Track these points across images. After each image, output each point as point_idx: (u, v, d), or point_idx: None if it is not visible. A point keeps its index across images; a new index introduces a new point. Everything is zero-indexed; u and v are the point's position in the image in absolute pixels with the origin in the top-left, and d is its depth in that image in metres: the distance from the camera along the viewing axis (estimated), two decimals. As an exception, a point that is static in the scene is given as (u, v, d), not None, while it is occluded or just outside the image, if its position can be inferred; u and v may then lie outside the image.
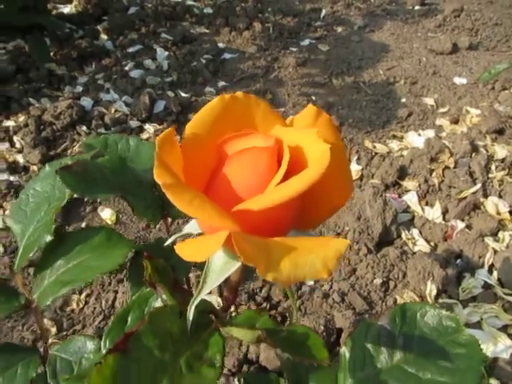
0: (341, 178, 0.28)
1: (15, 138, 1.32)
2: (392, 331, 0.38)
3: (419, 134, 1.42)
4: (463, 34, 1.98)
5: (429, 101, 1.58)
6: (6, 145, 1.30)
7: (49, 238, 0.35)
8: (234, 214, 0.25)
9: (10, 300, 0.36)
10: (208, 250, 0.23)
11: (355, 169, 1.25)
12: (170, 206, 0.41)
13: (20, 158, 1.25)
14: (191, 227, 0.33)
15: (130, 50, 1.84)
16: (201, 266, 0.28)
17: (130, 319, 0.31)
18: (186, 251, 0.24)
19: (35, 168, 1.23)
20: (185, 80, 1.67)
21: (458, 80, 1.68)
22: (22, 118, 1.40)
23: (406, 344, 0.37)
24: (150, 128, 1.41)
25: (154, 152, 0.43)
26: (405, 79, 1.71)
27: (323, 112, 0.31)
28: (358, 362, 0.38)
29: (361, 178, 1.23)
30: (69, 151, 1.30)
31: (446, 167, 1.20)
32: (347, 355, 0.39)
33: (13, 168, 1.22)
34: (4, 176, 1.18)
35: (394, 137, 1.43)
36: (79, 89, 1.58)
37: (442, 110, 1.54)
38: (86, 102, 1.47)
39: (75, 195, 0.38)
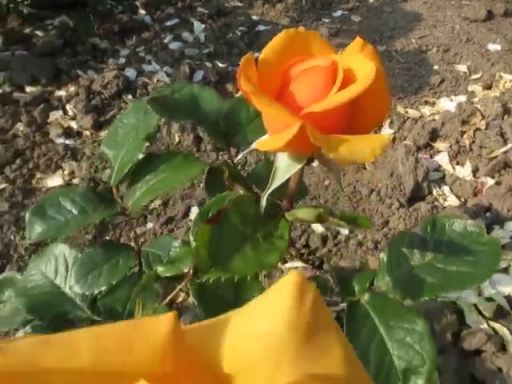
0: (381, 93, 0.35)
1: (68, 107, 1.42)
2: (424, 237, 0.45)
3: (451, 100, 1.45)
4: (498, 1, 1.97)
5: (461, 68, 1.60)
6: (60, 112, 1.41)
7: (140, 156, 0.43)
8: (300, 116, 0.32)
9: (110, 207, 0.45)
10: (283, 138, 0.30)
11: (388, 132, 1.30)
12: (233, 135, 0.49)
13: (73, 124, 1.35)
14: (254, 145, 0.40)
15: (168, 23, 1.91)
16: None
17: (210, 214, 0.39)
18: (266, 143, 0.32)
19: (88, 133, 1.33)
20: (221, 51, 1.73)
21: (491, 47, 1.69)
22: (72, 89, 1.50)
23: (435, 246, 0.44)
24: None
25: (215, 96, 0.51)
26: (437, 47, 1.73)
27: (368, 43, 0.37)
28: (394, 263, 0.45)
29: (393, 140, 1.28)
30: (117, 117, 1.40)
31: (478, 129, 1.24)
32: (385, 258, 0.46)
33: (67, 133, 1.32)
34: (60, 140, 1.29)
35: (426, 103, 1.46)
36: (122, 61, 1.67)
37: (474, 76, 1.56)
38: (130, 72, 1.55)
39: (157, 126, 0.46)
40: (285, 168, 0.36)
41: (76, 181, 1.16)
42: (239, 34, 1.82)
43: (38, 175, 1.19)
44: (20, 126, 1.34)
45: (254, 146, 0.42)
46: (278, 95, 0.36)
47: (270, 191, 0.36)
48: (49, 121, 1.38)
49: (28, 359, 0.14)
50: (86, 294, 0.44)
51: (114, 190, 0.46)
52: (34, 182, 1.17)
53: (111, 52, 1.74)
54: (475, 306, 0.85)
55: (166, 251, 0.43)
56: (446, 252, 0.44)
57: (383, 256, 0.46)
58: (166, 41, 1.78)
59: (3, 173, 1.18)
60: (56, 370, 0.15)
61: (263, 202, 0.35)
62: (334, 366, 0.16)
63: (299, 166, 0.36)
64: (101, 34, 1.84)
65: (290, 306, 0.16)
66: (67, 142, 1.29)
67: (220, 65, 1.64)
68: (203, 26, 1.86)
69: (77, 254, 0.48)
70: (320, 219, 0.33)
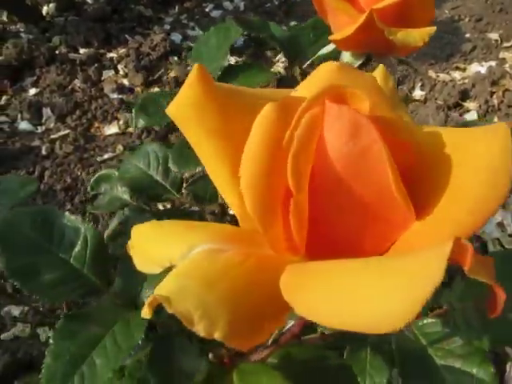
0: (427, 2, 0.44)
1: (119, 67, 1.54)
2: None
3: (482, 65, 1.51)
4: (533, -27, 1.99)
5: (493, 36, 1.65)
6: (112, 72, 1.52)
7: (226, 64, 0.54)
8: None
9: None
10: (353, 27, 0.40)
11: (419, 94, 1.37)
12: (297, 53, 0.59)
13: (125, 82, 1.47)
14: (324, 50, 0.50)
15: (209, -7, 2.00)
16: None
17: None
18: (339, 34, 0.42)
19: (139, 89, 1.44)
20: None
21: (524, 16, 1.73)
22: (122, 51, 1.62)
23: None
24: (231, 59, 1.58)
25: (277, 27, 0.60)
26: (470, 17, 1.78)
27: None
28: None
29: (424, 101, 1.35)
30: (164, 77, 1.50)
31: (507, 90, 1.30)
32: None
33: (120, 89, 1.44)
34: (114, 95, 1.40)
35: (457, 68, 1.53)
36: (167, 27, 1.78)
37: (506, 44, 1.61)
38: (175, 36, 1.66)
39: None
40: (349, 61, 0.46)
41: (131, 129, 1.28)
42: (277, 3, 1.90)
43: (96, 124, 1.31)
44: (77, 83, 1.46)
45: (324, 50, 0.51)
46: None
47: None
48: (102, 78, 1.50)
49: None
50: (178, 175, 0.55)
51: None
52: (92, 130, 1.29)
53: (156, 20, 1.85)
54: (498, 240, 0.94)
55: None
56: None
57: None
58: (207, 9, 1.87)
59: (65, 122, 1.31)
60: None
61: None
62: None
63: (360, 62, 0.45)
64: (146, 3, 1.95)
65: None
66: (120, 96, 1.40)
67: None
68: (242, -5, 1.94)
69: (166, 150, 0.59)
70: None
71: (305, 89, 0.25)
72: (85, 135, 1.25)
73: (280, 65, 1.59)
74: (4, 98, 1.41)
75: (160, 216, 0.57)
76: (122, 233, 0.56)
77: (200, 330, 0.17)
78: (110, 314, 0.36)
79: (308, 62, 0.51)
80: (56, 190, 1.05)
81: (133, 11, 1.86)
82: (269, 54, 1.63)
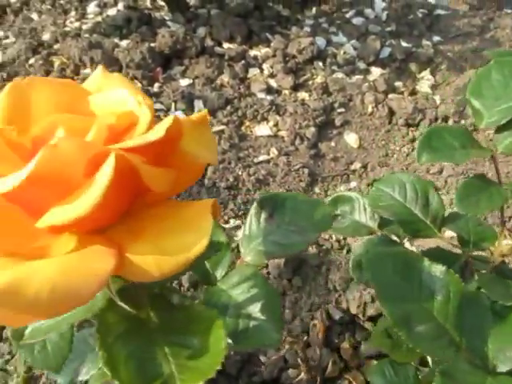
0: None
1: (264, 66, 1.54)
2: None
3: None
4: None
5: None
6: (257, 70, 1.53)
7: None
8: None
9: (482, 148, 0.52)
10: None
11: None
12: None
13: (272, 83, 1.47)
14: None
15: (347, -2, 1.97)
16: None
17: None
18: None
19: (286, 92, 1.44)
20: (402, 31, 1.76)
21: None
22: (264, 50, 1.62)
23: None
24: (376, 71, 1.54)
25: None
26: None
27: None
28: None
29: None
30: (310, 82, 1.49)
31: None
32: None
33: (267, 89, 1.44)
34: (262, 95, 1.41)
35: None
36: (307, 30, 1.76)
37: None
38: (320, 41, 1.64)
39: None
40: None
41: (282, 133, 1.28)
42: (420, 15, 1.84)
43: (247, 123, 1.32)
44: (224, 78, 1.48)
45: None
46: None
47: None
48: (248, 76, 1.51)
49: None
50: (440, 212, 0.53)
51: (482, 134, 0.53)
52: (243, 128, 1.30)
53: (294, 20, 1.84)
54: None
55: None
56: None
57: None
58: (347, 15, 1.84)
59: (216, 116, 1.33)
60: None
61: None
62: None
63: None
64: (284, 1, 1.94)
65: None
66: (268, 97, 1.40)
67: (403, 44, 1.67)
68: (384, 4, 1.89)
69: (424, 182, 0.57)
70: None
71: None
72: (238, 133, 1.27)
73: (425, 82, 1.53)
74: (156, 85, 1.44)
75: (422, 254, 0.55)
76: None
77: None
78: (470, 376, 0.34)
79: None
80: (219, 188, 1.07)
81: (271, 10, 1.86)
82: (413, 67, 1.58)
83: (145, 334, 0.27)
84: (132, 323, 0.27)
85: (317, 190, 1.14)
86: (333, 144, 1.29)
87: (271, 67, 1.52)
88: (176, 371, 0.26)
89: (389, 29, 1.76)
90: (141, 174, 0.24)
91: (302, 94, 1.43)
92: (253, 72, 1.52)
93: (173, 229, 0.26)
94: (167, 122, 0.26)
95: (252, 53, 1.62)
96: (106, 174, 0.22)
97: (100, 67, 0.32)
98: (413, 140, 1.31)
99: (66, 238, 0.26)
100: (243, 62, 1.54)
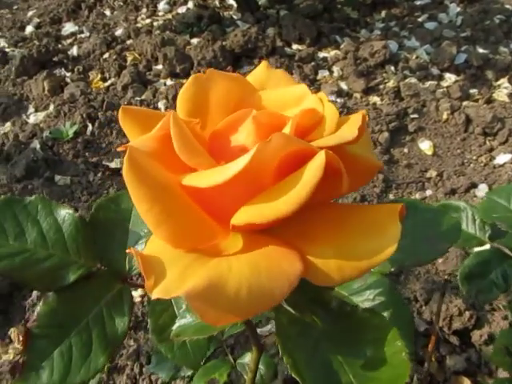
0: None
1: (334, 68, 1.52)
2: None
3: None
4: None
5: None
6: (326, 72, 1.51)
7: None
8: None
9: None
10: None
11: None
12: None
13: (343, 85, 1.44)
14: None
15: (418, 2, 1.91)
16: None
17: None
18: None
19: (357, 95, 1.41)
20: (478, 37, 1.70)
21: None
22: (333, 52, 1.60)
23: None
24: (450, 77, 1.49)
25: None
26: None
27: None
28: None
29: None
30: (381, 86, 1.46)
31: None
32: None
33: (339, 92, 1.42)
34: (333, 97, 1.39)
35: None
36: (377, 32, 1.73)
37: None
38: (392, 45, 1.60)
39: None
40: None
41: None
42: (497, 21, 1.77)
43: (318, 125, 1.30)
44: (294, 78, 1.47)
45: None
46: None
47: None
48: (318, 78, 1.49)
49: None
50: None
51: None
52: (314, 130, 1.29)
53: (363, 23, 1.81)
54: None
55: None
56: None
57: None
58: (420, 19, 1.79)
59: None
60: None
61: None
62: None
63: None
64: (354, 4, 1.91)
65: None
66: (339, 100, 1.38)
67: (480, 50, 1.61)
68: (458, 9, 1.83)
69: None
70: None
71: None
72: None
73: (503, 90, 1.47)
74: (226, 83, 1.45)
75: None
76: (478, 275, 0.53)
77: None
78: None
79: None
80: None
81: (341, 12, 1.84)
82: (490, 75, 1.51)
83: (314, 338, 0.26)
84: (301, 327, 0.27)
85: (391, 196, 1.11)
86: (406, 150, 1.25)
87: (341, 70, 1.50)
88: (355, 380, 0.25)
89: (463, 34, 1.70)
90: (341, 173, 0.23)
91: (374, 98, 1.40)
92: (322, 74, 1.50)
93: (355, 232, 0.25)
94: (357, 120, 0.25)
95: (321, 54, 1.61)
96: (314, 171, 0.21)
97: (264, 63, 0.31)
98: (491, 150, 1.26)
99: (233, 237, 0.25)
100: (313, 63, 1.52)
